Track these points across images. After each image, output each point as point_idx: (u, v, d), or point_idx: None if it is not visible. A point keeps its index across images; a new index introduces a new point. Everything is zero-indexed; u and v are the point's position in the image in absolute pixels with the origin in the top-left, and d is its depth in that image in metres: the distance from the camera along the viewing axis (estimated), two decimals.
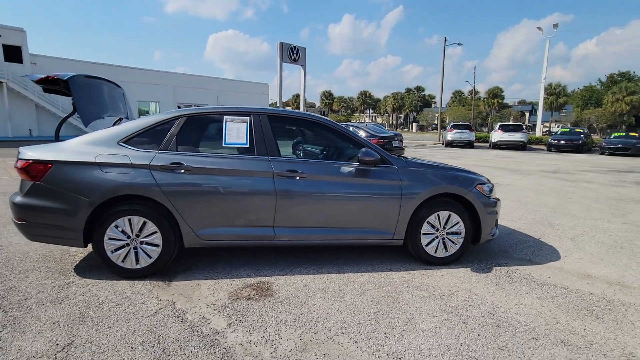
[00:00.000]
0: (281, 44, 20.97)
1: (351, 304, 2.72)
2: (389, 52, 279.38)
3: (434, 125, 68.19)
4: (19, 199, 2.96)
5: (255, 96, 38.03)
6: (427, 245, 3.44)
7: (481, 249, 3.99)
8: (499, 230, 4.27)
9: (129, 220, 2.96)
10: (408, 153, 11.78)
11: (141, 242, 3.01)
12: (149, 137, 3.10)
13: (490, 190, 3.61)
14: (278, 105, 23.18)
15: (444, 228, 3.45)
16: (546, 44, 28.02)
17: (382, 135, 11.29)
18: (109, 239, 2.95)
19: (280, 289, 2.94)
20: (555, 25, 27.87)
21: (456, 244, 3.49)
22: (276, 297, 2.81)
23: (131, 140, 3.07)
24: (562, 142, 20.59)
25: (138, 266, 3.03)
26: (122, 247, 2.98)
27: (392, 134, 12.08)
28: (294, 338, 2.28)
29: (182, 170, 3.02)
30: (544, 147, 22.93)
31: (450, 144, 23.76)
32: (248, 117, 3.25)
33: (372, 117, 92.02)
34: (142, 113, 30.84)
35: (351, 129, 6.59)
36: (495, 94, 65.96)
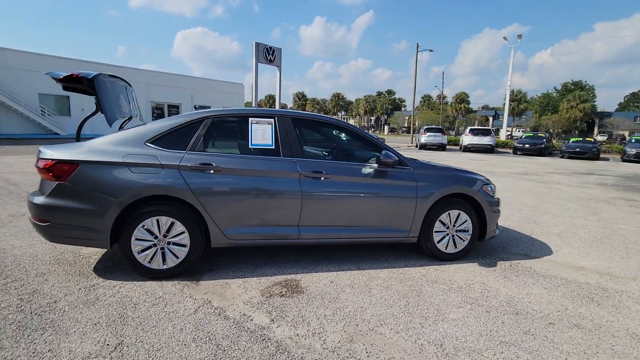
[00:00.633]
0: (257, 44, 20.62)
1: (380, 298, 2.88)
2: (359, 55, 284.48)
3: (404, 128, 70.20)
4: (41, 199, 2.87)
5: (231, 96, 37.29)
6: (438, 242, 3.67)
7: (482, 245, 4.28)
8: None
9: (157, 220, 2.95)
10: None
11: (168, 243, 3.01)
12: (176, 137, 3.11)
13: (493, 191, 3.90)
14: (253, 105, 22.80)
15: (454, 226, 3.69)
16: (511, 52, 29.83)
17: None
18: (136, 239, 2.93)
19: (309, 286, 3.04)
20: (520, 36, 29.83)
21: (464, 241, 3.74)
22: (308, 293, 2.92)
23: (158, 140, 3.06)
24: (527, 145, 21.96)
25: (165, 266, 3.02)
26: (149, 247, 2.97)
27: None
28: (339, 330, 2.41)
29: (212, 171, 3.06)
30: (510, 151, 24.36)
31: (424, 147, 24.63)
32: (272, 119, 3.33)
33: (345, 119, 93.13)
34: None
35: None
36: (462, 99, 68.87)
